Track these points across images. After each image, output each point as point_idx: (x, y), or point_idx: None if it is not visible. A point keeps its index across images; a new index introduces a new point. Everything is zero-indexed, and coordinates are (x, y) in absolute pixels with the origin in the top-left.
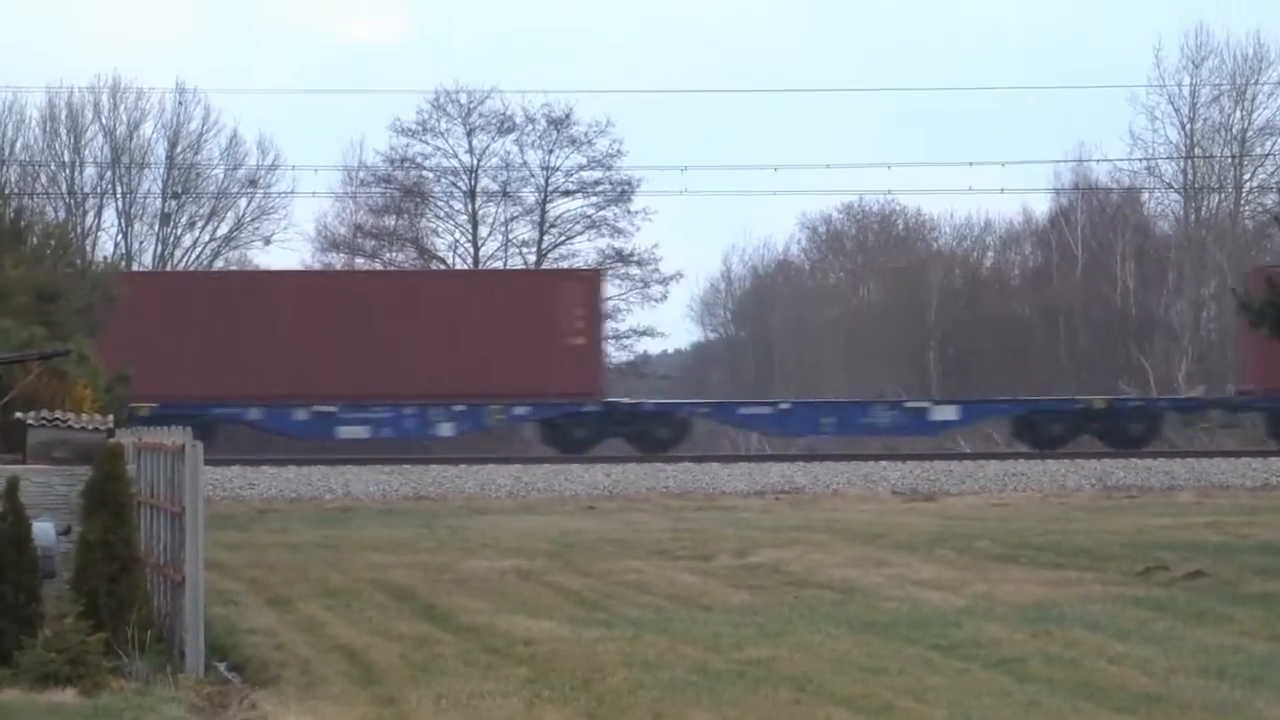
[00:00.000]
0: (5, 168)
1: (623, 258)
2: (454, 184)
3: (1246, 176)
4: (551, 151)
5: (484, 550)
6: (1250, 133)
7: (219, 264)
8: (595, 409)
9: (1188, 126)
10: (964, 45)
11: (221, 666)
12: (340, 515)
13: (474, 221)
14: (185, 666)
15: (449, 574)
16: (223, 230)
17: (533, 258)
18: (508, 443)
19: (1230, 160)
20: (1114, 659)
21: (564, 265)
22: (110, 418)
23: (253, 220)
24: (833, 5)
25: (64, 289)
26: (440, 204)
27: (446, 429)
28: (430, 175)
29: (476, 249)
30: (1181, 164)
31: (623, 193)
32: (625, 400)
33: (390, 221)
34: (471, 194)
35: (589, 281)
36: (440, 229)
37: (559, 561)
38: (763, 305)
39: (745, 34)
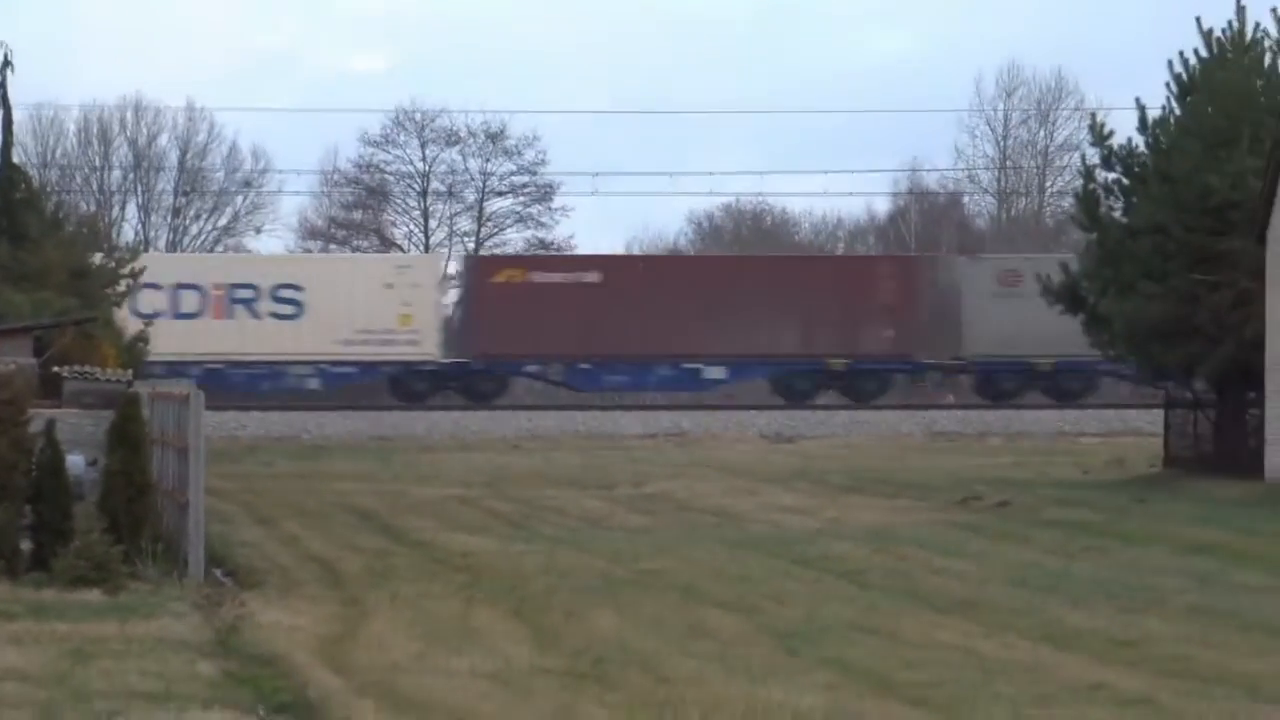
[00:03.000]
0: (48, 170)
1: (545, 246)
2: (410, 185)
3: (1049, 184)
4: (488, 160)
5: (431, 480)
6: (1052, 148)
7: (219, 249)
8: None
9: (1001, 143)
10: (822, 73)
11: (218, 573)
12: (315, 452)
13: (425, 216)
14: (188, 572)
15: (402, 499)
16: (222, 222)
17: (472, 245)
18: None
19: (1035, 171)
20: (938, 571)
21: (495, 253)
22: (130, 372)
23: (247, 214)
24: (715, 34)
25: (93, 267)
26: (398, 202)
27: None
28: (391, 178)
29: (427, 238)
30: (996, 173)
31: (545, 194)
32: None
33: (358, 215)
34: (424, 194)
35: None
36: (398, 222)
37: (491, 490)
38: None
39: (645, 61)
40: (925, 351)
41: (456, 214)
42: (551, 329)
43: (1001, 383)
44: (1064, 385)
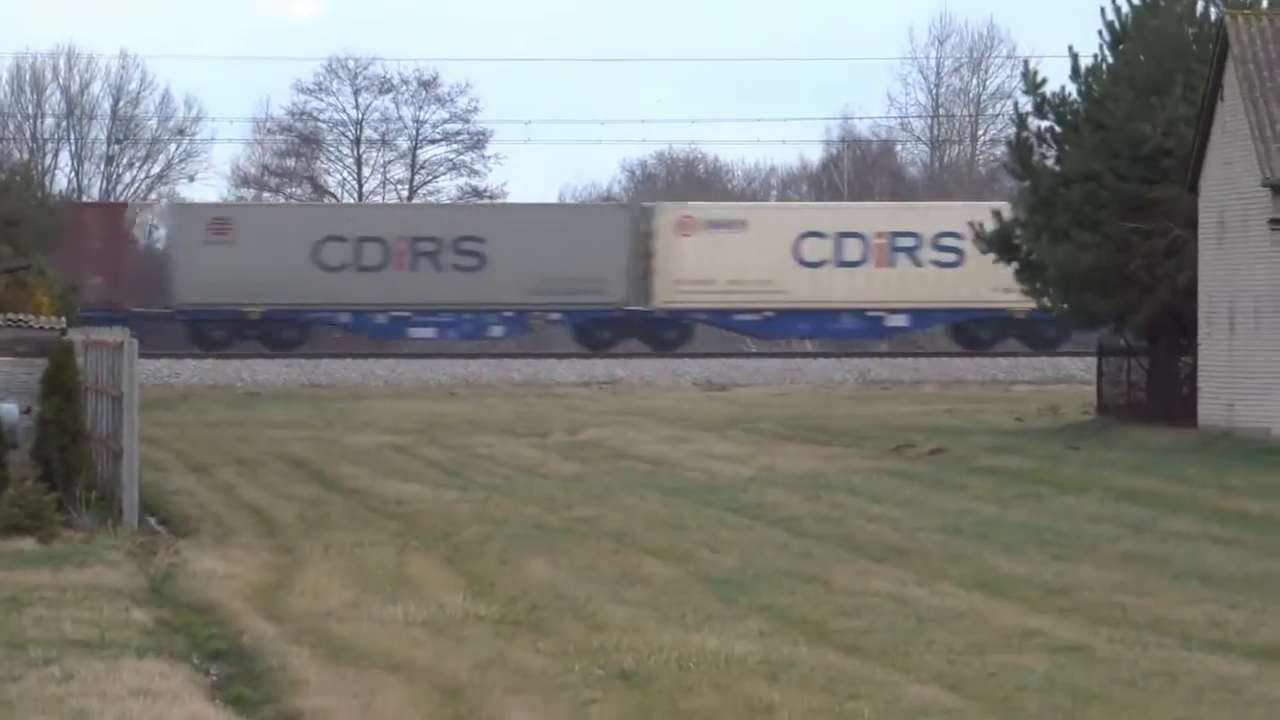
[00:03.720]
0: None
1: (478, 193)
2: (343, 133)
3: (981, 132)
4: (421, 107)
5: (365, 428)
6: (985, 96)
7: (152, 197)
8: None
9: (934, 91)
10: (754, 20)
11: (152, 521)
12: (248, 399)
13: (359, 164)
14: (123, 520)
15: (336, 447)
16: (156, 170)
17: (406, 193)
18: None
19: (968, 118)
20: (871, 518)
21: (431, 200)
22: (63, 320)
23: (180, 162)
24: None
25: (26, 215)
26: (332, 149)
27: None
28: (324, 126)
29: (360, 186)
30: (929, 121)
31: (478, 141)
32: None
33: (291, 163)
34: (357, 141)
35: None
36: (331, 169)
37: (425, 437)
38: None
39: (578, 9)
40: (136, 300)
41: (390, 162)
42: None
43: (211, 332)
44: (277, 334)
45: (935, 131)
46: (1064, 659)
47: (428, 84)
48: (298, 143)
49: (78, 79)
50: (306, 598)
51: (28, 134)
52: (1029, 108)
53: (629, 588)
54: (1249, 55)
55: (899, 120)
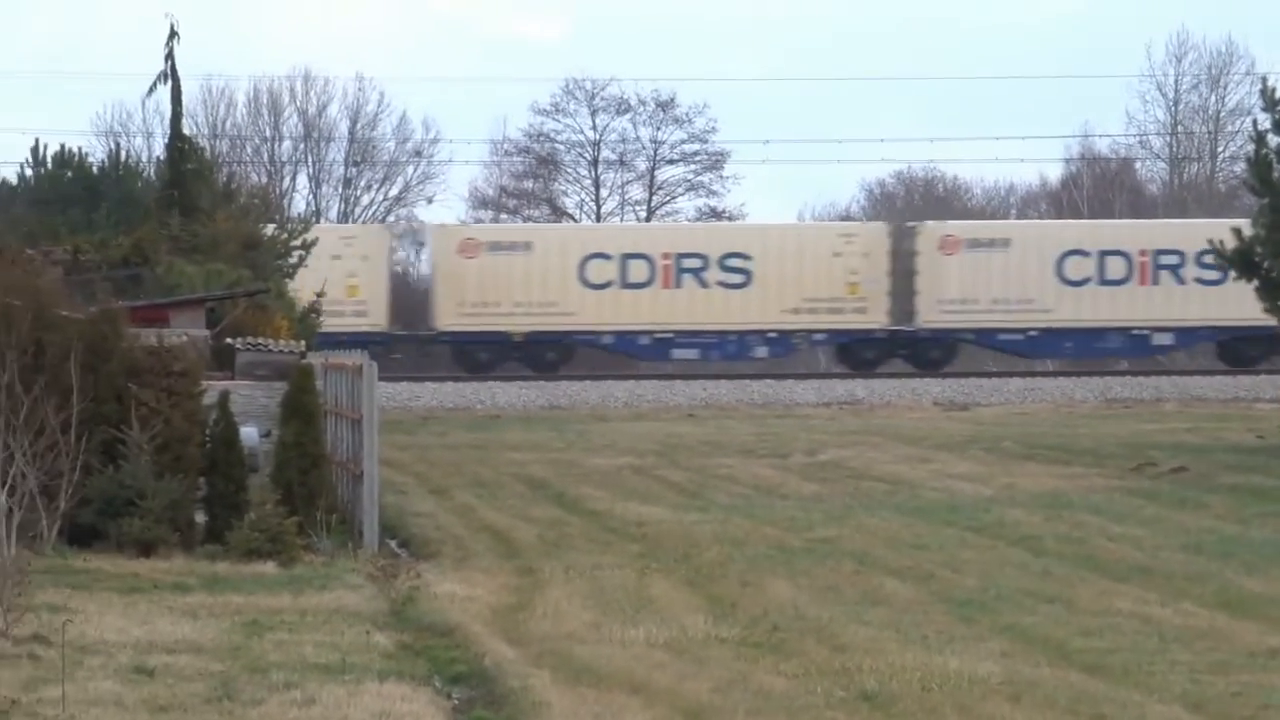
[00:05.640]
0: (218, 141)
1: (716, 214)
2: (580, 154)
3: (1220, 149)
4: (659, 128)
5: (604, 450)
6: (1224, 113)
7: (390, 219)
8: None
9: (1173, 108)
10: (993, 39)
11: (393, 544)
12: (488, 422)
13: (596, 185)
14: (363, 544)
15: (576, 469)
16: (394, 192)
17: (644, 214)
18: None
19: (1207, 136)
20: (1112, 538)
21: (669, 220)
22: (302, 343)
23: (418, 184)
24: (885, 7)
25: (265, 238)
26: (569, 171)
27: None
28: (561, 147)
29: (599, 207)
30: (1167, 139)
31: (716, 161)
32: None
33: (529, 185)
34: (595, 163)
35: None
36: (569, 191)
37: (664, 459)
38: None
39: (811, 31)
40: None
41: (628, 183)
42: None
43: None
44: None
45: (1174, 149)
46: None
47: (665, 104)
48: (535, 164)
49: (315, 101)
50: (547, 620)
51: (265, 157)
52: (1268, 125)
53: (870, 609)
54: None
55: (1138, 138)
